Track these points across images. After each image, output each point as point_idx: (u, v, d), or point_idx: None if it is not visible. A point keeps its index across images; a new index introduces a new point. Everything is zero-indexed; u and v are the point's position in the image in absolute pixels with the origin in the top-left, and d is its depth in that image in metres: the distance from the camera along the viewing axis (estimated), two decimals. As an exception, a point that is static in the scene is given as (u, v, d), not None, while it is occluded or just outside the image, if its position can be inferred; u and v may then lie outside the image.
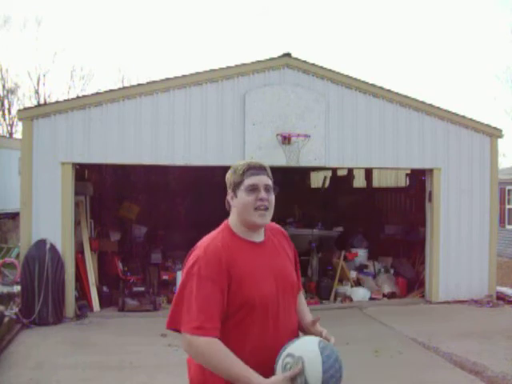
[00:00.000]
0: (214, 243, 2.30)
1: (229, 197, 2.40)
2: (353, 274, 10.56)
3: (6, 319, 7.60)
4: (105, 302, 9.07)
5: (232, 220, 2.42)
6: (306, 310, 2.60)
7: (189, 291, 2.21)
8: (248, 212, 2.33)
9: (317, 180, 15.98)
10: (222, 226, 2.44)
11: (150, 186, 13.39)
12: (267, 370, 2.16)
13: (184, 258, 2.42)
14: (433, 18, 54.39)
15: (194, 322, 2.16)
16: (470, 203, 10.02)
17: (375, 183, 14.62)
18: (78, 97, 10.97)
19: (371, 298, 10.06)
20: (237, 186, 2.36)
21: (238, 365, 2.13)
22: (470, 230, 9.99)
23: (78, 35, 48.19)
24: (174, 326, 2.25)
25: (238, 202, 2.36)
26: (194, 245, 2.41)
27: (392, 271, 10.98)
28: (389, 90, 9.68)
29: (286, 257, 2.52)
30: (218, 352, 2.15)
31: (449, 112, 9.96)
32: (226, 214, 2.48)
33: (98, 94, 9.14)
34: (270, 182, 2.39)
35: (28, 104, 31.41)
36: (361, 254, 11.23)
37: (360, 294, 10.04)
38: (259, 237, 2.43)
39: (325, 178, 14.35)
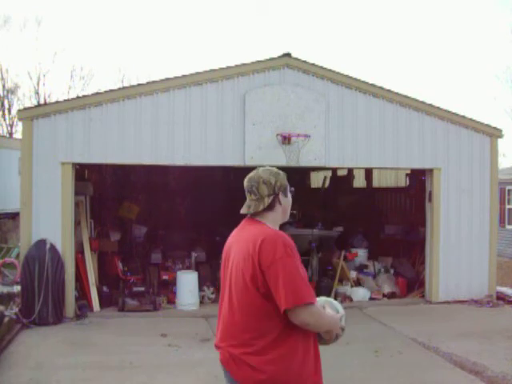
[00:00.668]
0: (281, 233, 2.64)
1: (280, 197, 2.74)
2: (353, 274, 10.56)
3: (6, 319, 7.60)
4: (105, 302, 9.07)
5: (272, 218, 2.75)
6: None
7: (295, 270, 2.52)
8: (289, 211, 2.84)
9: (317, 180, 15.97)
10: (259, 223, 2.70)
11: (150, 186, 13.38)
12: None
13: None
14: (433, 18, 54.45)
15: (310, 291, 2.53)
16: (470, 203, 10.02)
17: (375, 183, 14.60)
18: (78, 97, 10.96)
19: (371, 298, 10.06)
20: (286, 188, 2.79)
21: (330, 315, 2.78)
22: (470, 230, 9.99)
23: (78, 35, 48.29)
24: (301, 301, 2.49)
25: (287, 202, 2.81)
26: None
27: (392, 271, 10.98)
28: (389, 90, 9.68)
29: None
30: (323, 312, 2.67)
31: (449, 112, 9.96)
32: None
33: (98, 93, 9.14)
34: None
35: (28, 104, 31.42)
36: (361, 254, 11.23)
37: (360, 293, 10.04)
38: None
39: (325, 177, 14.33)
